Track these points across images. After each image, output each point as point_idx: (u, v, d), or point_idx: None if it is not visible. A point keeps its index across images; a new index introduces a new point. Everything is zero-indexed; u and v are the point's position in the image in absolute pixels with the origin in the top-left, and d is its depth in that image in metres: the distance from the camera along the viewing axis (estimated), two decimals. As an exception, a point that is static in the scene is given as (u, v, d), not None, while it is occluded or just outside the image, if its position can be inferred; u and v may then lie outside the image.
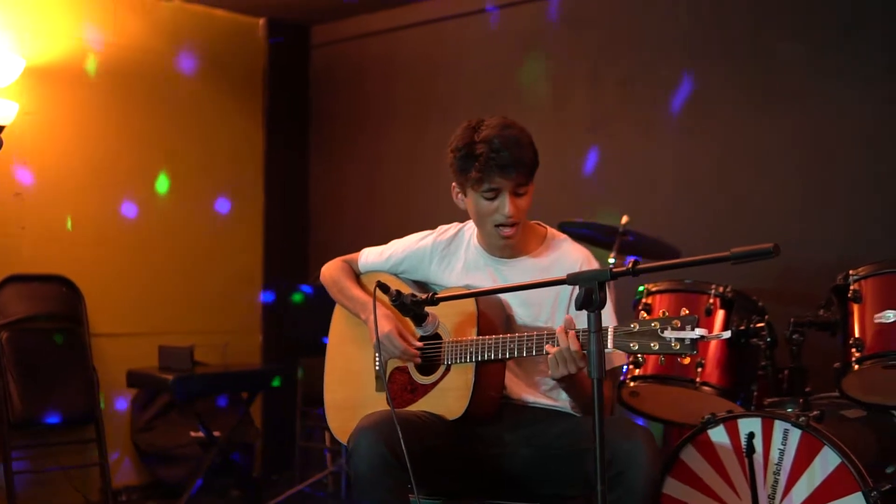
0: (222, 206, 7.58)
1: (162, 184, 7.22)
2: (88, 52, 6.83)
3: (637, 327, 3.14)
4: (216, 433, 6.71)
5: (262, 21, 7.82)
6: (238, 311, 7.68)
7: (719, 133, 5.96)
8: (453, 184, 3.86)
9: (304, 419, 7.27)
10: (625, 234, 5.25)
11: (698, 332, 3.03)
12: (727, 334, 3.24)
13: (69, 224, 6.70)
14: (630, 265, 2.91)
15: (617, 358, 3.80)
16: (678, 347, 3.05)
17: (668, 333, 3.06)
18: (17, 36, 6.46)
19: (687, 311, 3.08)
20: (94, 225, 6.88)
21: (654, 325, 3.10)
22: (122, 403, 6.94)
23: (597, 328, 2.92)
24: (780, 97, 5.74)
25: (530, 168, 3.74)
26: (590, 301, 2.92)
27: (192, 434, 6.85)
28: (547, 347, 3.44)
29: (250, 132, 7.81)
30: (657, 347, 3.09)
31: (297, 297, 6.97)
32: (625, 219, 5.27)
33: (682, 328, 3.04)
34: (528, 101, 6.65)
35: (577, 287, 2.96)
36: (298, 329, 7.03)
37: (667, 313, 3.10)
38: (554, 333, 3.47)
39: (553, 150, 6.37)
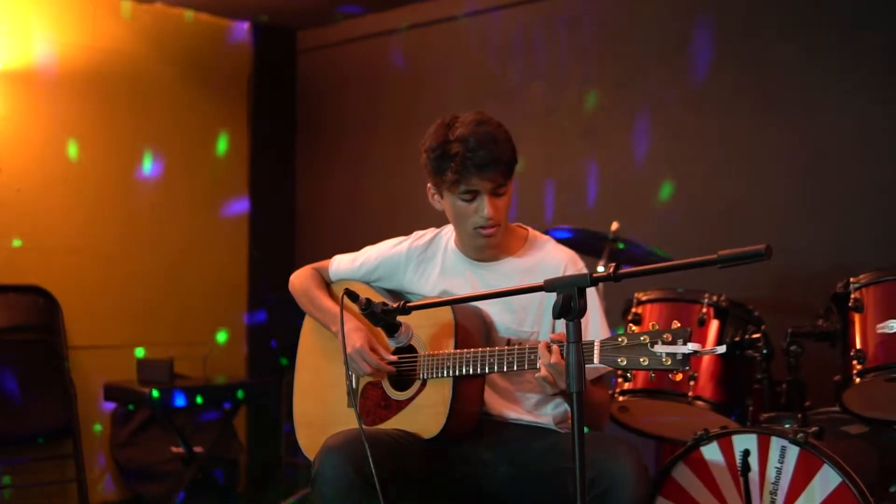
0: (205, 214, 7.41)
1: (142, 191, 7.05)
2: (66, 56, 6.65)
3: (625, 341, 2.95)
4: (198, 448, 6.55)
5: (246, 26, 7.65)
6: (222, 323, 7.48)
7: (713, 137, 5.82)
8: (428, 185, 3.67)
9: (290, 433, 6.99)
10: (614, 242, 5.03)
11: (691, 346, 2.83)
12: (722, 349, 3.02)
13: None
14: (611, 269, 2.70)
15: None
16: (669, 363, 2.85)
17: (659, 348, 2.86)
18: (-8, 38, 6.31)
19: (678, 324, 2.88)
20: (71, 234, 6.71)
21: (644, 339, 2.90)
22: (101, 418, 6.75)
23: (576, 338, 2.71)
24: (775, 100, 5.60)
25: (509, 166, 3.54)
26: (568, 309, 2.71)
27: (174, 449, 6.65)
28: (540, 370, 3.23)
29: (235, 138, 7.62)
30: (647, 363, 2.89)
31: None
32: (615, 225, 5.06)
33: (674, 342, 2.85)
34: (518, 106, 6.48)
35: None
36: (284, 341, 6.82)
37: (657, 325, 2.90)
38: (535, 348, 3.27)
39: (544, 156, 6.25)
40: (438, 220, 3.90)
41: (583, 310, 2.71)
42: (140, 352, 6.77)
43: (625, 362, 2.93)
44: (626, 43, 6.20)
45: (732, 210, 5.67)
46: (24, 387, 6.21)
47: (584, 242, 4.99)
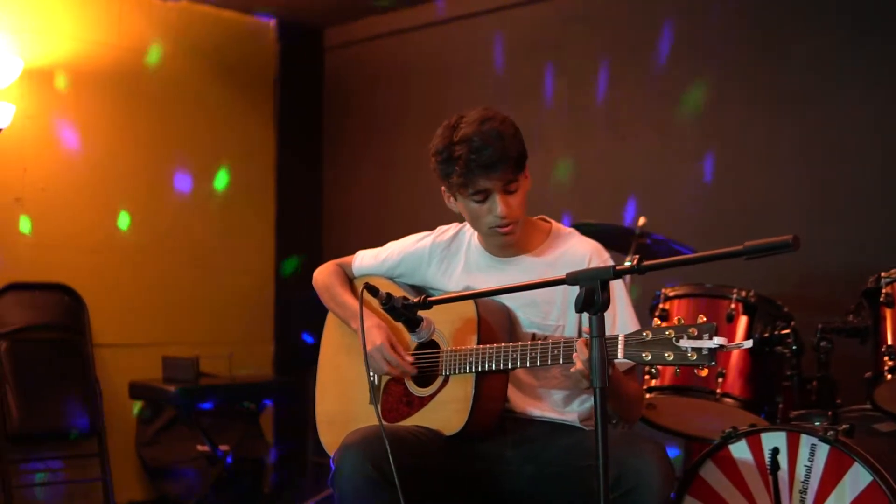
0: (232, 211, 7.37)
1: (168, 189, 7.03)
2: (91, 54, 6.63)
3: (650, 335, 2.88)
4: (223, 447, 6.51)
5: (272, 23, 7.61)
6: (248, 321, 7.46)
7: (734, 134, 5.77)
8: (442, 188, 3.61)
9: (316, 433, 6.96)
10: (642, 237, 4.95)
11: (717, 340, 2.76)
12: (749, 343, 2.95)
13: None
14: (635, 262, 2.63)
15: None
16: (695, 358, 2.78)
17: (684, 342, 2.79)
18: (17, 37, 6.28)
19: (704, 318, 2.81)
20: (97, 232, 6.69)
21: (669, 334, 2.83)
22: (126, 417, 6.72)
23: (599, 332, 2.65)
24: (798, 95, 5.53)
25: (517, 162, 3.46)
26: (591, 302, 2.64)
27: (199, 448, 6.62)
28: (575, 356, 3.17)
29: (261, 137, 7.60)
30: (672, 358, 2.82)
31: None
32: (642, 220, 4.98)
33: (700, 337, 2.78)
34: (544, 103, 6.41)
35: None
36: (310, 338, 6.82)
37: (682, 320, 2.83)
38: (559, 343, 3.24)
39: (569, 152, 6.20)
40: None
41: (606, 303, 2.65)
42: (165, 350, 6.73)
43: (649, 357, 2.87)
44: (645, 41, 6.13)
45: (757, 206, 5.61)
46: (49, 385, 6.19)
47: (610, 238, 4.90)
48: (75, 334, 6.43)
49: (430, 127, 6.96)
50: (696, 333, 2.78)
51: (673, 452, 5.04)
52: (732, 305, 4.23)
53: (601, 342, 2.64)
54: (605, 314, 2.87)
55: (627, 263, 2.69)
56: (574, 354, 3.15)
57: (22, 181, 6.33)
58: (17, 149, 6.27)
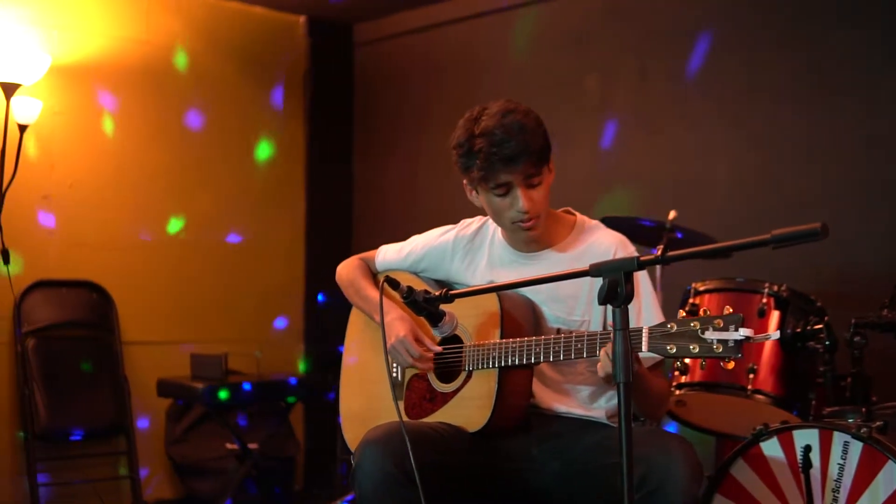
0: (262, 208, 7.34)
1: (197, 186, 7.00)
2: (119, 51, 6.60)
3: (675, 328, 2.80)
4: (252, 445, 6.49)
5: (302, 19, 7.57)
6: (278, 318, 7.41)
7: (772, 126, 5.67)
8: (464, 181, 3.55)
9: None
10: (672, 231, 4.85)
11: (743, 332, 2.68)
12: (776, 335, 2.89)
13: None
14: (659, 252, 2.56)
15: None
16: (720, 350, 2.70)
17: (710, 334, 2.71)
18: (45, 33, 6.26)
19: (731, 309, 2.73)
20: (125, 229, 6.66)
21: (694, 326, 2.75)
22: (155, 414, 6.69)
23: (623, 325, 2.58)
24: (834, 85, 5.44)
25: (539, 155, 3.38)
26: (614, 294, 2.57)
27: (228, 446, 6.60)
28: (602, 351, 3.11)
29: (291, 134, 7.55)
30: (697, 350, 2.74)
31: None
32: (672, 214, 4.87)
33: (725, 328, 2.69)
34: (575, 97, 6.35)
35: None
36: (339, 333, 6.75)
37: (709, 312, 2.76)
38: (583, 336, 3.16)
39: (599, 146, 6.13)
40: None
41: (629, 295, 2.58)
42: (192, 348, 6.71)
43: (674, 350, 2.80)
44: (680, 33, 6.05)
45: (791, 200, 5.52)
46: (76, 383, 6.18)
47: (640, 232, 4.84)
48: (103, 332, 6.41)
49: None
50: (721, 325, 2.70)
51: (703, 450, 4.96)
52: (764, 300, 4.14)
53: (625, 335, 2.58)
54: (630, 307, 2.81)
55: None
56: (602, 350, 3.08)
57: (49, 178, 6.30)
58: (44, 145, 6.25)
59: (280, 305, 7.43)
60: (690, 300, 4.28)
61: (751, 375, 4.04)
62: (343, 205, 7.83)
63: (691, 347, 2.75)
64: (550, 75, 6.57)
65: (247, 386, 6.29)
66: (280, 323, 7.41)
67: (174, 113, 6.89)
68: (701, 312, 3.97)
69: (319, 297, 6.44)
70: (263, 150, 7.38)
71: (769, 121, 5.66)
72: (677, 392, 4.19)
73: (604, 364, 3.06)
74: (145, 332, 6.67)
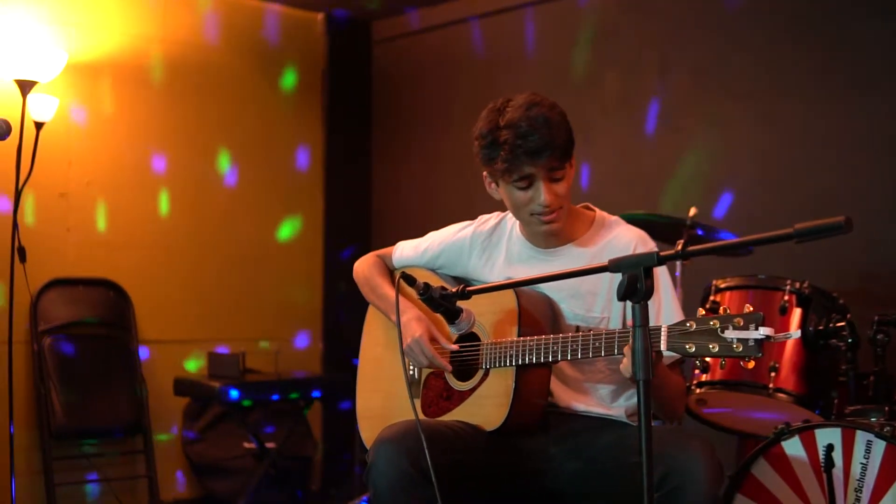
0: (279, 207, 7.31)
1: (215, 184, 6.97)
2: (137, 48, 6.59)
3: (694, 326, 2.77)
4: (270, 445, 6.46)
5: (320, 16, 7.53)
6: (297, 318, 7.39)
7: (798, 122, 5.60)
8: (484, 173, 3.50)
9: None
10: (692, 228, 4.79)
11: (763, 331, 2.64)
12: (796, 334, 2.84)
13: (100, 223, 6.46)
14: (679, 247, 2.51)
15: None
16: (740, 349, 2.67)
17: (730, 333, 2.68)
18: (61, 30, 6.24)
19: (751, 308, 2.68)
20: (142, 227, 6.63)
21: (714, 324, 2.72)
22: (172, 413, 6.66)
23: (642, 322, 2.53)
24: (864, 81, 5.35)
25: (563, 149, 3.34)
26: (634, 290, 2.53)
27: (246, 446, 6.59)
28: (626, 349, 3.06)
29: (309, 131, 7.52)
30: (717, 350, 2.71)
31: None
32: (693, 211, 4.81)
33: (746, 327, 2.66)
34: (595, 94, 6.30)
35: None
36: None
37: (729, 310, 2.72)
38: (601, 334, 3.12)
39: (620, 143, 6.08)
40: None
41: (649, 291, 2.53)
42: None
43: (693, 349, 2.77)
44: (702, 27, 6.02)
45: (817, 197, 5.44)
46: (93, 381, 6.16)
47: (660, 229, 4.77)
48: (120, 330, 6.39)
49: None
50: (742, 324, 2.67)
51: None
52: (786, 297, 4.09)
53: (644, 332, 2.53)
54: (649, 304, 2.77)
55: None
56: (626, 348, 3.03)
57: (66, 176, 6.28)
58: (61, 143, 6.23)
59: (298, 304, 7.40)
60: (711, 297, 4.22)
61: (772, 374, 3.98)
62: (361, 203, 7.79)
63: (711, 346, 2.72)
64: (571, 72, 6.51)
65: (265, 385, 6.26)
66: (298, 321, 7.38)
67: (192, 110, 6.86)
68: (721, 310, 3.95)
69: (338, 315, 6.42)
70: (281, 148, 7.36)
71: (794, 117, 5.59)
72: (697, 391, 4.13)
73: (628, 362, 3.01)
74: (162, 330, 6.65)
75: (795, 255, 4.47)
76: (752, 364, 2.74)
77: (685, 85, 6.05)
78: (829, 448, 3.53)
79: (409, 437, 3.10)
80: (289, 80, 7.41)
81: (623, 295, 2.53)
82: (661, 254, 2.55)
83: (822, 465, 3.53)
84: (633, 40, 6.30)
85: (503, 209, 3.68)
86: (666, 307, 3.38)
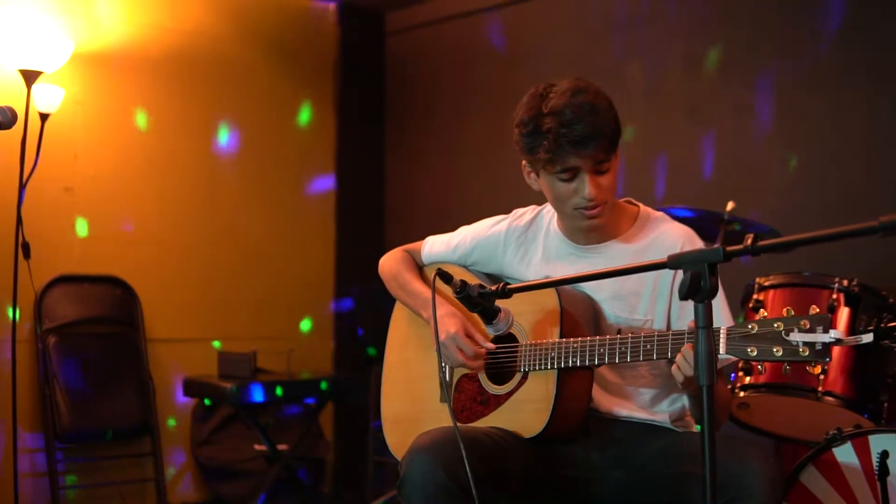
0: (291, 201, 7.16)
1: (224, 180, 6.81)
2: (143, 38, 6.42)
3: (756, 328, 2.60)
4: (282, 446, 6.33)
5: (332, 6, 7.39)
6: (307, 315, 7.23)
7: (833, 115, 5.43)
8: (523, 162, 3.32)
9: (378, 431, 6.71)
10: (730, 224, 4.60)
11: (833, 334, 2.49)
12: (868, 337, 2.66)
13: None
14: (749, 241, 2.32)
15: None
16: (807, 354, 2.50)
17: (795, 336, 2.52)
18: (67, 19, 6.08)
19: (817, 309, 2.53)
20: (149, 222, 6.48)
21: (778, 326, 2.55)
22: (181, 414, 6.53)
23: (706, 322, 2.36)
24: (893, 75, 5.21)
25: (611, 140, 3.16)
26: (697, 288, 2.35)
27: (257, 447, 6.45)
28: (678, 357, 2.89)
29: (321, 125, 7.36)
30: (781, 353, 2.54)
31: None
32: (731, 205, 4.61)
33: (812, 330, 2.50)
34: (619, 87, 6.12)
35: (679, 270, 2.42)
36: (372, 331, 6.60)
37: (792, 311, 2.54)
38: (653, 336, 2.95)
39: (646, 137, 5.93)
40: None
41: (714, 289, 2.36)
42: (217, 344, 6.57)
43: (755, 353, 2.60)
44: (728, 20, 5.88)
45: (852, 192, 5.30)
46: (100, 381, 6.01)
47: (696, 224, 4.58)
48: (127, 328, 6.26)
49: (497, 113, 6.85)
50: (808, 326, 2.51)
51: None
52: (834, 296, 3.92)
53: (708, 333, 2.36)
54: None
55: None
56: (680, 353, 2.86)
57: (72, 169, 6.13)
58: (66, 135, 6.07)
59: (310, 302, 7.26)
60: (754, 296, 4.06)
61: (821, 376, 3.80)
62: (374, 199, 7.66)
63: (774, 350, 2.55)
64: (592, 63, 6.35)
65: (276, 385, 6.12)
66: (309, 320, 7.23)
67: (201, 102, 6.72)
68: (770, 311, 3.76)
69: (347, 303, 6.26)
70: (293, 142, 7.21)
71: (830, 110, 5.44)
72: (741, 394, 3.96)
73: (682, 367, 2.82)
74: (171, 329, 6.51)
75: (834, 252, 4.33)
76: (818, 369, 2.58)
77: (711, 77, 5.89)
78: (884, 455, 3.39)
79: (445, 445, 2.92)
80: (300, 72, 7.26)
81: (686, 294, 2.35)
82: (729, 249, 2.35)
83: (877, 472, 3.39)
84: (659, 31, 6.15)
85: (524, 204, 3.55)
86: (717, 309, 3.19)
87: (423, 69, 7.53)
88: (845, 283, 3.92)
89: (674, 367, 2.86)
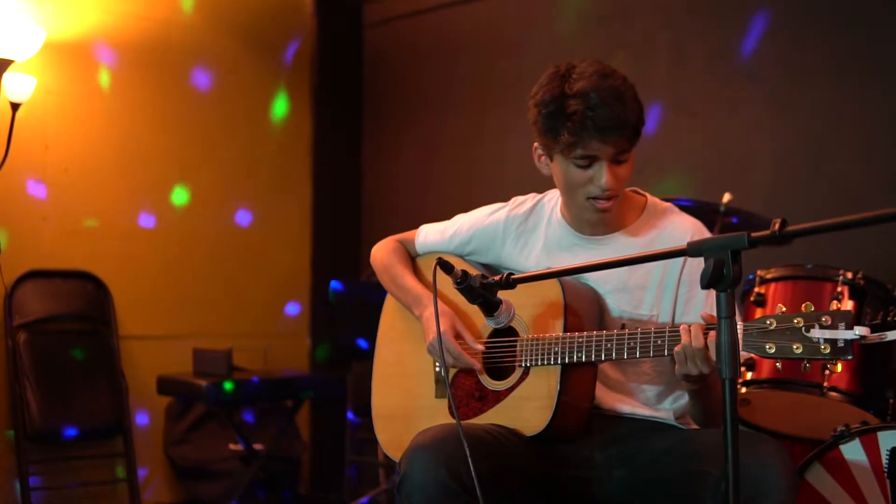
0: (266, 197, 7.05)
1: (200, 172, 6.69)
2: (117, 27, 6.29)
3: (774, 324, 2.52)
4: (257, 446, 6.25)
5: (309, -3, 7.31)
6: (283, 313, 7.13)
7: (819, 109, 5.37)
8: (535, 144, 3.18)
9: (355, 431, 6.73)
10: (727, 215, 4.50)
11: (858, 330, 2.41)
12: (894, 334, 2.57)
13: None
14: (776, 226, 2.21)
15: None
16: (828, 351, 2.43)
17: (816, 332, 2.44)
18: (39, 7, 5.93)
19: (839, 305, 2.46)
20: (122, 217, 6.35)
21: (798, 322, 2.47)
22: (154, 413, 6.42)
23: (729, 312, 2.26)
24: (888, 67, 5.14)
25: (635, 129, 3.05)
26: (720, 277, 2.25)
27: (231, 447, 6.36)
28: (676, 349, 2.79)
29: (297, 118, 7.25)
30: (801, 351, 2.46)
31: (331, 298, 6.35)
32: (727, 196, 4.51)
33: (834, 326, 2.43)
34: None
35: (687, 263, 2.56)
36: (349, 330, 6.49)
37: (812, 307, 2.45)
38: (663, 330, 2.84)
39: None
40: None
41: (738, 278, 2.27)
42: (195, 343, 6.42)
43: (773, 350, 2.52)
44: (716, 11, 5.79)
45: (841, 186, 5.24)
46: (71, 380, 5.89)
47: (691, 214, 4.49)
48: (100, 325, 6.13)
49: (477, 107, 6.75)
50: (830, 322, 2.44)
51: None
52: (838, 289, 3.82)
53: (731, 324, 2.27)
54: (702, 297, 2.84)
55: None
56: (677, 348, 2.77)
57: (44, 160, 6.00)
58: (38, 125, 5.94)
59: (286, 298, 7.16)
60: (756, 289, 3.95)
61: (826, 372, 3.70)
62: (351, 194, 7.56)
63: (794, 347, 2.48)
64: (577, 55, 6.23)
65: (253, 383, 6.03)
66: (286, 317, 7.14)
67: (175, 93, 6.60)
68: (772, 304, 3.67)
69: (333, 285, 6.11)
70: (268, 136, 7.10)
71: (815, 103, 5.38)
72: (742, 390, 3.86)
73: (679, 363, 2.77)
74: (144, 325, 6.39)
75: (834, 247, 4.27)
76: (839, 367, 2.48)
77: (698, 69, 5.82)
78: (894, 452, 3.31)
79: (447, 443, 2.80)
80: (276, 64, 7.15)
81: (708, 282, 2.25)
82: (754, 235, 2.25)
83: (886, 470, 3.31)
84: (646, 22, 6.06)
85: (507, 199, 3.44)
86: None
87: (401, 62, 7.43)
88: (849, 275, 3.82)
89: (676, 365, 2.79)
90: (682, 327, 2.76)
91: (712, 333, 2.65)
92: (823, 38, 5.35)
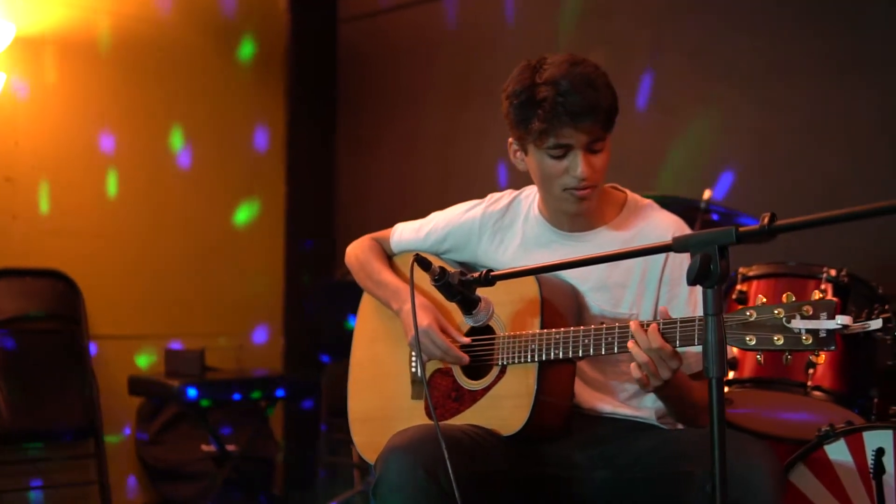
0: (239, 196, 6.98)
1: (171, 169, 6.61)
2: (88, 22, 6.21)
3: (754, 315, 2.45)
4: (231, 447, 6.19)
5: (283, -9, 7.26)
6: (257, 312, 7.07)
7: (801, 105, 5.33)
8: (510, 140, 3.14)
9: (330, 432, 6.73)
10: (707, 212, 4.46)
11: (840, 320, 2.34)
12: (877, 323, 2.53)
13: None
14: (765, 220, 2.15)
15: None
16: (810, 342, 2.37)
17: (797, 323, 2.37)
18: (8, 1, 5.85)
19: (821, 295, 2.41)
20: (94, 214, 6.28)
21: (778, 313, 2.40)
22: (126, 414, 6.34)
23: (716, 309, 2.20)
24: (876, 62, 5.11)
25: (608, 115, 3.01)
26: (707, 273, 2.18)
27: (204, 448, 6.28)
28: (629, 344, 2.72)
29: (270, 115, 7.20)
30: (781, 342, 2.40)
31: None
32: (707, 193, 4.47)
33: (816, 316, 2.36)
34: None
35: (669, 260, 2.53)
36: (323, 329, 6.52)
37: (794, 297, 2.39)
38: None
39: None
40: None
41: (725, 273, 2.20)
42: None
43: (753, 342, 2.45)
44: (698, 5, 5.76)
45: (827, 184, 5.19)
46: (40, 380, 5.80)
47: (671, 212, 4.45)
48: (70, 324, 6.03)
49: (454, 104, 6.70)
50: (811, 312, 2.37)
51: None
52: (822, 286, 3.76)
53: (719, 321, 2.21)
54: (685, 296, 2.81)
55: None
56: (630, 343, 2.72)
57: (13, 157, 5.93)
58: (7, 122, 5.87)
59: (258, 297, 7.10)
60: (737, 287, 3.91)
61: (810, 370, 3.66)
62: (325, 193, 7.49)
63: (775, 339, 2.41)
64: (554, 51, 6.19)
65: (225, 384, 6.01)
66: (260, 316, 7.08)
67: (146, 89, 6.52)
68: (752, 301, 3.61)
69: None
70: (240, 132, 7.03)
71: (799, 98, 5.35)
72: (725, 389, 3.79)
73: (638, 362, 2.72)
74: (115, 325, 6.31)
75: (817, 244, 4.23)
76: (822, 358, 2.43)
77: (679, 65, 5.78)
78: (880, 452, 3.26)
79: (425, 444, 2.74)
80: (246, 55, 7.07)
81: (695, 278, 2.19)
82: (742, 230, 2.19)
83: (871, 470, 3.25)
84: (625, 17, 6.02)
85: (482, 197, 3.40)
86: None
87: (377, 58, 7.37)
88: (833, 272, 3.78)
89: (632, 365, 2.74)
90: (633, 324, 2.72)
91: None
92: (805, 34, 5.32)
